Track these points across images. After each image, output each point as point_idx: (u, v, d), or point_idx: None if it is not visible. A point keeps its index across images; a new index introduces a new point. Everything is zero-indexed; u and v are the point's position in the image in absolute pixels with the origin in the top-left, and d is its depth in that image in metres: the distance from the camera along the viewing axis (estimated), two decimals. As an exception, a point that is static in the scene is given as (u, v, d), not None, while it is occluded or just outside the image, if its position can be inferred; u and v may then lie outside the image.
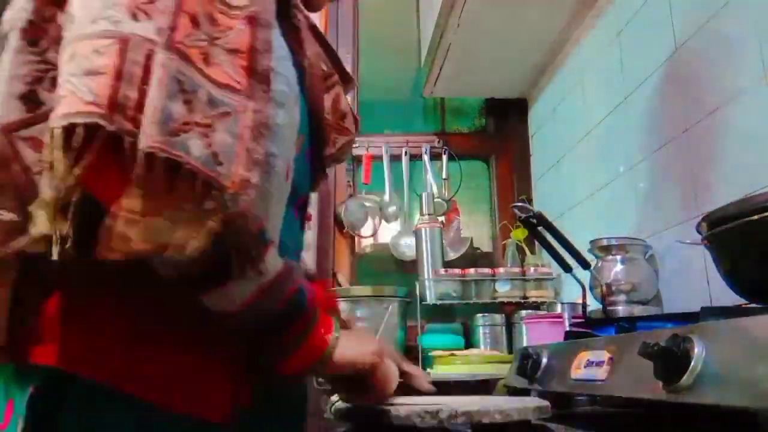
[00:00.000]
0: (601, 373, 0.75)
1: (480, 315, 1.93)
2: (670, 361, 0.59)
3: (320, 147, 0.78)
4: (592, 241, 1.44)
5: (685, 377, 0.57)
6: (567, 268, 1.37)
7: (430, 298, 1.95)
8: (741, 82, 1.13)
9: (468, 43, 1.97)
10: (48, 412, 0.58)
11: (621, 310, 1.34)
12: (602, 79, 1.74)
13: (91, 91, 0.49)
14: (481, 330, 1.92)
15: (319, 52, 0.77)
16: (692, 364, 0.57)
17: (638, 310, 1.33)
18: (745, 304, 0.89)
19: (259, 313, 0.59)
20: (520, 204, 1.29)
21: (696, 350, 0.57)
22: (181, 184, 0.50)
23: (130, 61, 0.51)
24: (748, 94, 1.11)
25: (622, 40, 1.61)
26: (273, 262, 0.59)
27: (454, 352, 1.70)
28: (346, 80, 0.84)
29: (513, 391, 1.08)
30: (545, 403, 0.76)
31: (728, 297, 0.91)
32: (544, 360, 0.97)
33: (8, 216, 0.54)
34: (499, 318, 1.93)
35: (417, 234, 2.14)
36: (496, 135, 2.45)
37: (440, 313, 2.02)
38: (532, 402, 0.76)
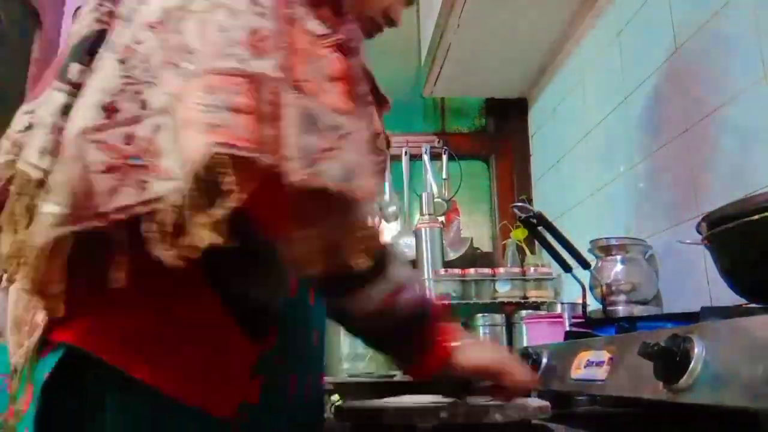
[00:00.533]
0: (601, 373, 0.75)
1: (480, 315, 1.93)
2: (670, 361, 0.59)
3: None
4: (592, 241, 1.44)
5: (685, 377, 0.57)
6: (567, 268, 1.37)
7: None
8: (741, 82, 1.13)
9: (468, 43, 1.97)
10: (62, 395, 0.60)
11: (621, 310, 1.34)
12: (602, 79, 1.74)
13: (242, 127, 0.53)
14: (481, 330, 1.92)
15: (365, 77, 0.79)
16: (692, 364, 0.57)
17: (638, 310, 1.33)
18: (745, 304, 0.89)
19: (393, 315, 0.67)
20: (520, 204, 1.29)
21: (696, 350, 0.57)
22: (329, 203, 0.57)
23: (263, 101, 0.55)
24: (748, 94, 1.11)
25: (622, 40, 1.61)
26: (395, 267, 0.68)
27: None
28: (381, 102, 0.85)
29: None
30: (545, 403, 0.76)
31: (728, 297, 0.91)
32: (544, 360, 0.97)
33: (53, 209, 0.56)
34: (499, 318, 1.93)
35: (417, 234, 2.13)
36: (496, 135, 2.45)
37: (440, 313, 2.02)
38: (533, 402, 0.76)
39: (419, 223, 2.13)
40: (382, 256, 0.67)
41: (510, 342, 1.91)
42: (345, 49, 0.63)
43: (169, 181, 0.54)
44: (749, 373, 0.51)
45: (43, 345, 0.62)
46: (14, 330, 0.65)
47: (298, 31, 0.60)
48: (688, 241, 0.98)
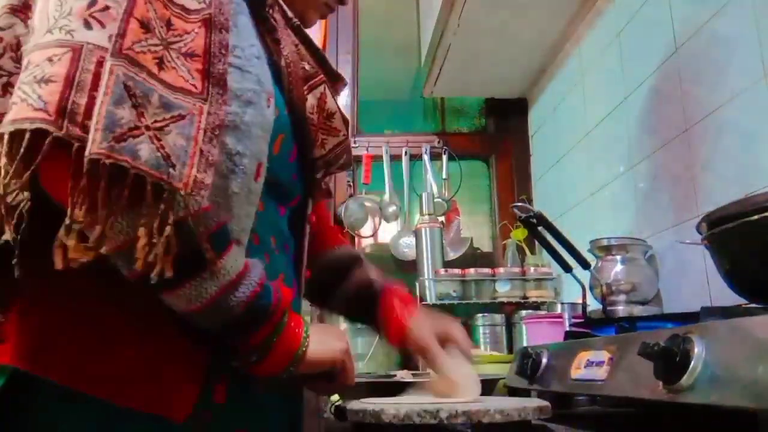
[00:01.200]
0: (601, 373, 0.75)
1: (480, 315, 1.93)
2: (670, 361, 0.59)
3: (306, 147, 0.78)
4: (592, 241, 1.44)
5: (685, 377, 0.57)
6: (567, 268, 1.37)
7: (430, 298, 1.95)
8: (741, 82, 1.13)
9: (468, 43, 1.97)
10: (12, 413, 0.58)
11: (621, 310, 1.34)
12: (602, 79, 1.74)
13: (41, 98, 0.51)
14: (481, 330, 1.92)
15: (300, 52, 0.77)
16: (692, 364, 0.57)
17: (638, 310, 1.33)
18: (745, 304, 0.89)
19: (221, 314, 0.59)
20: (520, 204, 1.29)
21: (696, 350, 0.57)
22: (132, 188, 0.51)
23: (82, 68, 0.52)
24: (748, 94, 1.11)
25: (622, 40, 1.61)
26: (232, 263, 0.59)
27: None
28: (334, 79, 0.84)
29: (513, 392, 1.08)
30: (545, 403, 0.76)
31: (728, 297, 0.91)
32: (544, 360, 0.97)
33: None
34: (499, 318, 1.93)
35: (417, 234, 2.14)
36: (497, 135, 2.45)
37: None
38: (533, 402, 0.76)
39: (419, 223, 2.14)
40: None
41: (510, 342, 1.91)
42: (209, 24, 0.60)
43: None
44: (749, 373, 0.51)
45: None
46: None
47: (162, 4, 0.57)
48: (688, 241, 0.98)
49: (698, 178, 1.26)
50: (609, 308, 1.34)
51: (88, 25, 0.54)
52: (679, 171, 1.33)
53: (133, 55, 0.54)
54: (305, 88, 0.77)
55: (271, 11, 0.74)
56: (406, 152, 2.31)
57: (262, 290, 0.61)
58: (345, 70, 2.28)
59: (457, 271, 1.96)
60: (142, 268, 0.53)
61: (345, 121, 0.84)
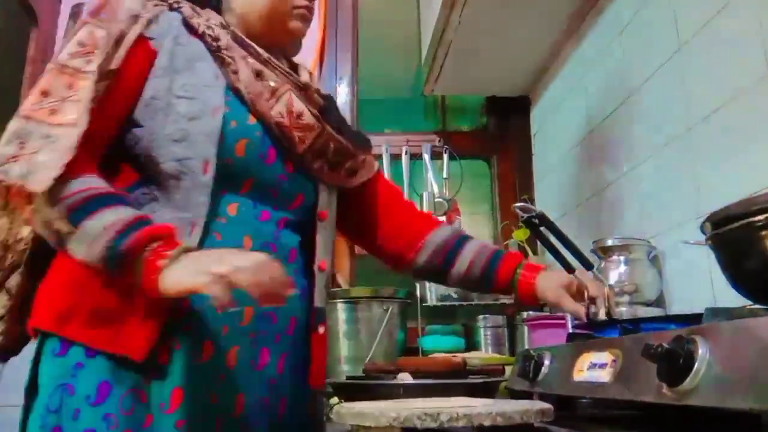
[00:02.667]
0: (604, 375, 0.75)
1: (481, 316, 1.93)
2: (674, 363, 0.58)
3: (286, 146, 0.95)
4: (594, 242, 1.43)
5: (689, 379, 0.56)
6: (570, 269, 1.36)
7: (431, 300, 1.94)
8: (744, 80, 1.12)
9: (469, 41, 1.96)
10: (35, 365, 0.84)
11: (624, 311, 1.33)
12: (604, 78, 1.73)
13: None
14: (482, 332, 1.91)
15: (263, 74, 0.95)
16: (696, 366, 0.56)
17: (642, 312, 1.32)
18: (750, 305, 0.88)
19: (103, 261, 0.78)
20: (521, 204, 1.28)
21: (700, 352, 0.56)
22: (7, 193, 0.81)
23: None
24: (752, 93, 1.10)
25: (624, 38, 1.60)
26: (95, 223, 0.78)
27: (455, 354, 1.69)
28: (303, 88, 0.99)
29: (515, 394, 1.07)
30: (548, 405, 0.75)
31: (732, 298, 0.90)
32: (547, 362, 0.97)
33: None
34: (500, 320, 1.92)
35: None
36: (498, 134, 2.44)
37: (441, 315, 2.01)
38: (535, 405, 0.75)
39: (420, 223, 2.12)
40: None
41: (512, 344, 1.91)
42: (101, 73, 0.83)
43: None
44: (754, 374, 0.50)
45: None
46: None
47: (53, 76, 0.82)
48: (691, 242, 0.97)
49: (702, 177, 1.25)
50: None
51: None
52: (682, 170, 1.32)
53: (29, 113, 0.80)
54: (272, 99, 0.94)
55: (227, 52, 0.93)
56: (406, 151, 2.30)
57: (119, 234, 0.77)
58: (345, 70, 2.27)
59: (458, 271, 1.95)
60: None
61: (315, 116, 0.98)
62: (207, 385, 0.83)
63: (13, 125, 0.78)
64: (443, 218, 2.20)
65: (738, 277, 0.86)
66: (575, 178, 1.92)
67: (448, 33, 1.95)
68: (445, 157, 2.30)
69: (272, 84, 0.95)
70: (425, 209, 2.15)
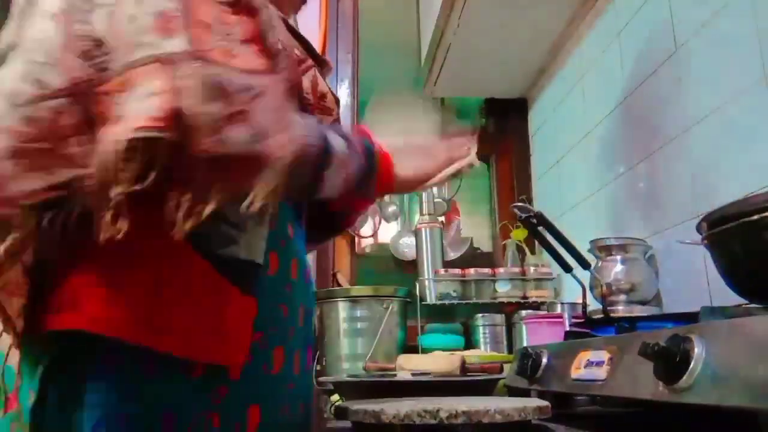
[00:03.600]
0: (601, 373, 0.75)
1: (480, 315, 1.93)
2: (670, 361, 0.58)
3: None
4: (592, 241, 1.44)
5: (685, 377, 0.57)
6: (567, 268, 1.37)
7: (430, 298, 1.95)
8: (741, 82, 1.13)
9: (468, 43, 1.97)
10: (70, 380, 0.61)
11: (621, 310, 1.34)
12: (602, 79, 1.74)
13: (154, 108, 0.56)
14: (481, 330, 1.92)
15: (291, 39, 0.81)
16: (692, 364, 0.56)
17: (638, 310, 1.33)
18: (746, 304, 0.89)
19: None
20: (520, 204, 1.29)
21: (696, 350, 0.57)
22: (237, 166, 0.59)
23: (176, 77, 0.57)
24: (748, 94, 1.11)
25: (622, 39, 1.61)
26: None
27: (454, 352, 1.70)
28: (321, 64, 0.89)
29: (513, 391, 1.08)
30: (545, 403, 0.76)
31: (728, 297, 0.91)
32: (544, 360, 0.97)
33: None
34: (499, 318, 1.93)
35: (417, 234, 2.14)
36: (496, 135, 2.45)
37: (440, 313, 2.02)
38: (533, 402, 0.76)
39: (419, 223, 2.14)
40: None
41: (510, 342, 1.91)
42: (250, 10, 0.66)
43: (75, 168, 0.57)
44: (749, 373, 0.51)
45: (36, 341, 0.63)
46: None
47: (202, 4, 0.63)
48: (688, 241, 0.98)
49: (698, 178, 1.26)
50: (609, 308, 1.34)
51: (166, 36, 0.59)
52: (679, 171, 1.33)
53: (205, 54, 0.60)
54: (300, 70, 0.82)
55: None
56: (406, 152, 2.31)
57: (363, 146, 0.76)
58: (345, 70, 2.28)
59: (457, 271, 1.97)
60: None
61: (336, 100, 0.90)
62: (280, 397, 0.73)
63: (188, 70, 0.58)
64: (443, 218, 2.22)
65: (734, 277, 0.87)
66: (573, 178, 1.93)
67: (447, 35, 1.96)
68: (444, 157, 2.30)
69: (298, 53, 0.83)
70: (425, 209, 2.16)
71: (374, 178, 0.79)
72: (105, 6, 0.61)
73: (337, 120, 0.90)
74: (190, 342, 0.63)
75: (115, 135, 0.56)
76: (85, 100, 0.59)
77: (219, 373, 0.65)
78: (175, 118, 0.56)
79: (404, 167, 0.84)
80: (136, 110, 0.56)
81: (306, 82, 0.84)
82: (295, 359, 0.76)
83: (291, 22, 0.88)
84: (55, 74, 0.59)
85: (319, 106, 0.86)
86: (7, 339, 0.65)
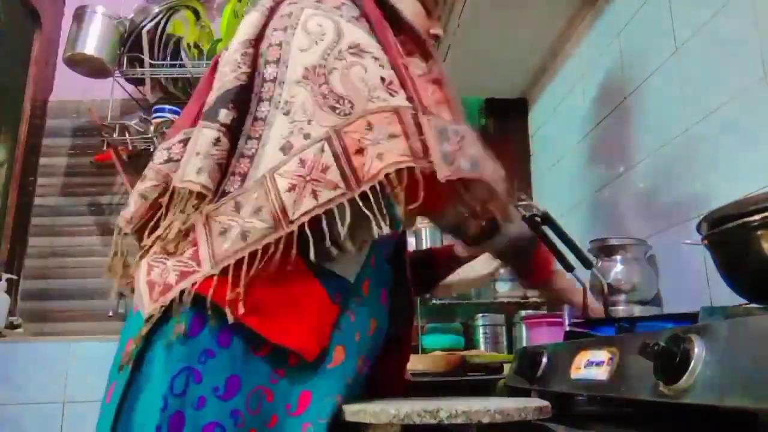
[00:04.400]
0: (601, 373, 0.75)
1: (480, 315, 1.93)
2: (670, 362, 0.58)
3: None
4: (592, 241, 1.44)
5: (685, 377, 0.57)
6: (569, 268, 1.37)
7: (431, 298, 1.95)
8: (741, 81, 1.13)
9: (468, 43, 1.97)
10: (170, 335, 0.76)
11: (621, 310, 1.33)
12: (602, 79, 1.73)
13: (400, 147, 0.78)
14: (481, 330, 1.92)
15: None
16: (692, 364, 0.56)
17: (638, 310, 1.32)
18: (746, 304, 0.89)
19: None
20: (524, 202, 1.29)
21: (696, 350, 0.57)
22: (466, 186, 0.83)
23: (407, 124, 0.79)
24: (748, 94, 1.11)
25: (622, 40, 1.61)
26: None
27: (454, 352, 1.70)
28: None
29: (513, 392, 1.08)
30: (545, 403, 0.76)
31: (728, 297, 0.91)
32: (545, 360, 0.97)
33: (260, 225, 0.78)
34: (499, 318, 1.93)
35: (417, 234, 2.13)
36: (497, 135, 2.45)
37: (440, 313, 2.02)
38: (533, 402, 0.76)
39: (419, 223, 2.13)
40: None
41: (510, 342, 1.91)
42: (437, 80, 0.89)
43: (335, 189, 0.77)
44: (750, 373, 0.50)
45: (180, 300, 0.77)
46: (146, 291, 0.79)
47: (409, 74, 0.84)
48: (688, 242, 0.98)
49: (698, 178, 1.26)
50: (609, 308, 1.34)
51: (391, 94, 0.82)
52: (679, 171, 1.33)
53: (430, 108, 0.82)
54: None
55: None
56: (406, 152, 2.31)
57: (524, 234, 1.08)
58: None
59: (457, 270, 1.96)
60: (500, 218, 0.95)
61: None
62: (334, 389, 0.81)
63: (424, 119, 0.81)
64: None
65: (734, 277, 0.87)
66: (573, 178, 1.93)
67: (447, 36, 1.95)
68: (444, 157, 2.30)
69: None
70: (425, 209, 2.15)
71: (532, 258, 1.08)
72: (338, 70, 0.82)
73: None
74: (267, 323, 0.77)
75: (373, 168, 0.77)
76: (334, 139, 0.79)
77: (279, 357, 0.78)
78: (415, 154, 0.77)
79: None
80: (387, 149, 0.77)
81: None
82: (358, 362, 0.86)
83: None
84: (313, 125, 0.80)
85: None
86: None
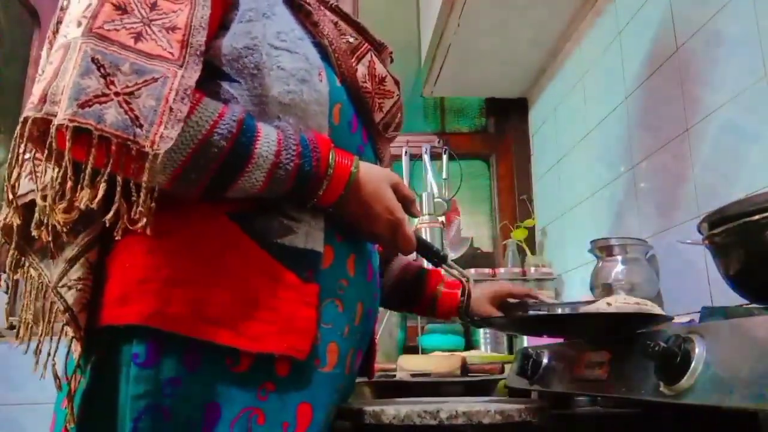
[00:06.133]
0: (601, 373, 0.75)
1: (480, 315, 1.93)
2: (671, 362, 0.58)
3: (366, 112, 0.84)
4: (592, 241, 1.44)
5: (685, 378, 0.57)
6: (442, 259, 1.26)
7: (431, 298, 1.94)
8: (742, 81, 1.13)
9: (468, 43, 1.97)
10: (114, 370, 0.64)
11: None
12: (603, 79, 1.73)
13: (37, 90, 0.58)
14: (481, 330, 1.92)
15: (341, 28, 0.83)
16: (693, 364, 0.56)
17: (638, 310, 1.32)
18: (746, 304, 0.89)
19: (279, 185, 0.68)
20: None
21: (697, 350, 0.57)
22: (116, 149, 0.57)
23: (67, 59, 0.58)
24: (749, 94, 1.11)
25: (622, 39, 1.61)
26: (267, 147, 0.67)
27: (455, 352, 1.70)
28: (379, 48, 0.89)
29: (514, 392, 1.08)
30: (546, 403, 0.76)
31: (729, 297, 0.91)
32: (545, 360, 0.97)
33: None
34: (499, 318, 1.93)
35: (417, 234, 2.13)
36: (497, 135, 2.45)
37: (440, 313, 2.02)
38: (533, 403, 0.76)
39: (419, 223, 2.13)
40: None
41: (510, 342, 1.91)
42: (196, 3, 0.65)
43: None
44: (750, 373, 0.50)
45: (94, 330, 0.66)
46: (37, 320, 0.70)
47: None
48: (689, 242, 0.97)
49: (699, 177, 1.26)
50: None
51: (78, 25, 0.60)
52: (680, 171, 1.33)
53: (103, 32, 0.59)
54: (353, 59, 0.82)
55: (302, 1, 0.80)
56: (406, 152, 2.31)
57: (302, 157, 0.69)
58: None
59: (457, 271, 1.96)
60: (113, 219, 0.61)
61: (396, 82, 0.89)
62: (332, 396, 0.72)
63: (81, 46, 0.58)
64: (443, 218, 2.21)
65: (734, 277, 0.87)
66: (573, 178, 1.93)
67: (447, 35, 1.95)
68: (445, 157, 2.30)
69: (351, 40, 0.84)
70: (425, 209, 2.15)
71: (315, 183, 0.70)
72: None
73: (398, 102, 0.90)
74: (239, 331, 0.64)
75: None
76: None
77: (265, 367, 0.65)
78: (47, 97, 0.57)
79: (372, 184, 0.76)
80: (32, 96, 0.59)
81: (362, 69, 0.83)
82: (347, 359, 0.75)
83: (347, 8, 0.91)
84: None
85: (379, 90, 0.86)
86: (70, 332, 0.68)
